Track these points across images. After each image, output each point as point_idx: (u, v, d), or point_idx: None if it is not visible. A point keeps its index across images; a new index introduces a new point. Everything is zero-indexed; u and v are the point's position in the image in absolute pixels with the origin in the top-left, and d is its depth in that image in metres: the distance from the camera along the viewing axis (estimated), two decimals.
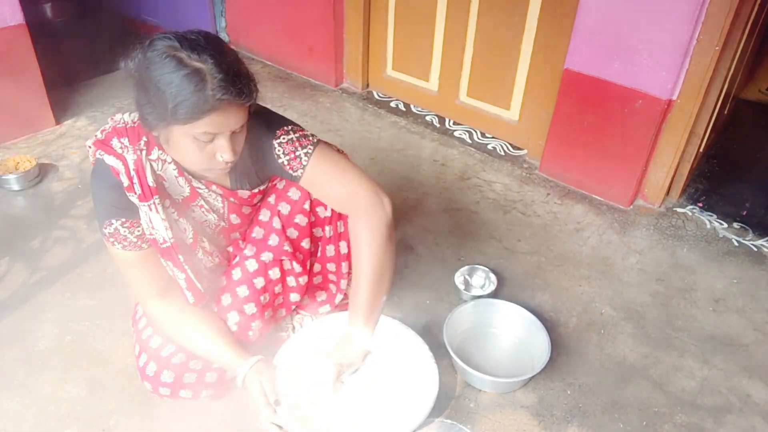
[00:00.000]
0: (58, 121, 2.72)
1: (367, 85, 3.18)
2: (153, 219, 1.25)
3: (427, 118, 2.95)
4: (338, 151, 1.49)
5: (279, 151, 1.35)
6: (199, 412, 1.50)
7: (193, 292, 1.35)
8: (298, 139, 1.36)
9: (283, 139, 1.35)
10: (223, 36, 3.54)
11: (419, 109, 3.01)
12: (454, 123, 2.90)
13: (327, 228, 1.55)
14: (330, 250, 1.60)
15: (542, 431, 1.51)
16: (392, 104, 3.06)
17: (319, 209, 1.52)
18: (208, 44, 1.11)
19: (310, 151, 1.37)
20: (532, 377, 1.60)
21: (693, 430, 1.54)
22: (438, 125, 2.89)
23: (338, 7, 2.93)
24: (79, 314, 1.77)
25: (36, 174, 2.33)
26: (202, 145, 1.16)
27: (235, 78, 1.11)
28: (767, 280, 2.05)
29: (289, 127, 1.37)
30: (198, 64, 1.08)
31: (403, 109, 3.02)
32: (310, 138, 1.39)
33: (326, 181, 1.40)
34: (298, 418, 1.36)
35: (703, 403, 1.61)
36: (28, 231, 2.09)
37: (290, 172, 1.38)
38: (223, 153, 1.18)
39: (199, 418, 1.49)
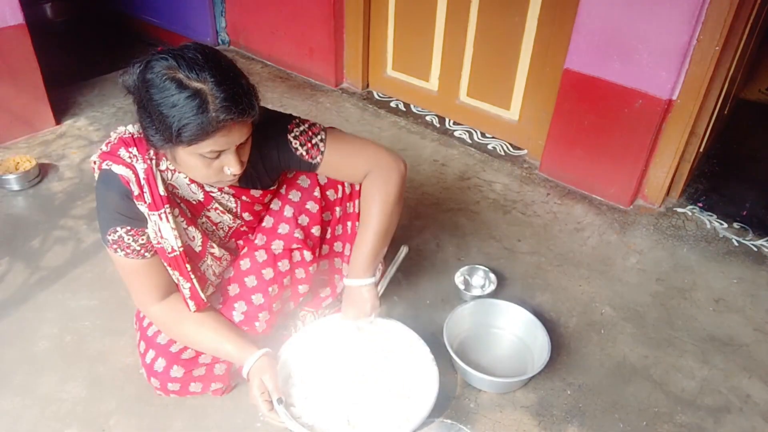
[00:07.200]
0: (58, 121, 2.72)
1: (367, 85, 3.18)
2: (162, 228, 1.25)
3: (427, 118, 2.95)
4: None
5: (296, 144, 1.37)
6: (199, 412, 1.50)
7: (196, 301, 1.36)
8: (309, 128, 1.40)
9: (296, 131, 1.38)
10: (223, 36, 3.54)
11: (419, 109, 3.01)
12: (454, 123, 2.90)
13: (337, 209, 1.58)
14: (338, 229, 1.62)
15: (542, 431, 1.51)
16: (392, 104, 3.06)
17: (329, 192, 1.54)
18: (207, 62, 1.09)
19: (323, 136, 1.40)
20: (532, 377, 1.60)
21: (693, 430, 1.54)
22: (438, 125, 2.89)
23: (338, 7, 2.93)
24: (79, 314, 1.77)
25: (36, 174, 2.33)
26: (208, 161, 1.17)
27: (237, 97, 1.09)
28: (767, 280, 2.05)
29: (297, 120, 1.40)
30: (198, 85, 1.07)
31: (403, 109, 3.02)
32: (318, 125, 1.42)
33: (344, 158, 1.43)
34: (296, 418, 1.36)
35: (703, 403, 1.61)
36: (28, 231, 2.09)
37: (309, 160, 1.40)
38: (231, 166, 1.19)
39: (199, 418, 1.49)
